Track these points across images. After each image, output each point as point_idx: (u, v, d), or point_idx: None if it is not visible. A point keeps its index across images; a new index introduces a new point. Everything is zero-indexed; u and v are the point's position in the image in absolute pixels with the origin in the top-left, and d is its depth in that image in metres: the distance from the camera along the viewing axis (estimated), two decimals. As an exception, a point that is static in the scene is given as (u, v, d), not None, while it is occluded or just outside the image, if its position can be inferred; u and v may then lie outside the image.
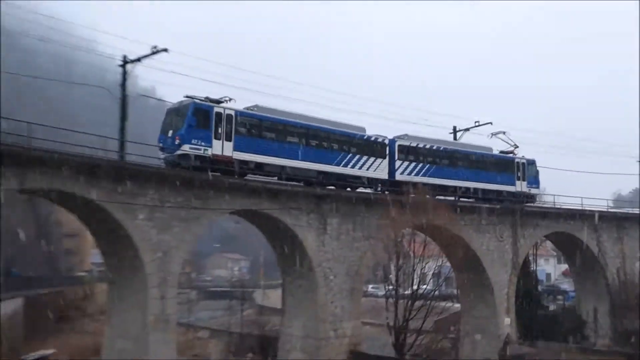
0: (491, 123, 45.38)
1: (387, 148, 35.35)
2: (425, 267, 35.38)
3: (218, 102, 28.92)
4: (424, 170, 36.95)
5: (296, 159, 30.89)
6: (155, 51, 29.93)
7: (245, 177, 30.12)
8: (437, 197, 36.44)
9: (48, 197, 27.79)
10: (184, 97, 28.32)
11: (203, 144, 27.31)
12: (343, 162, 33.05)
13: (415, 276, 33.57)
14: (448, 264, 40.49)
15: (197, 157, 27.23)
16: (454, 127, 47.39)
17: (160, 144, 28.29)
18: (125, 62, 30.43)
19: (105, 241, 28.69)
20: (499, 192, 41.10)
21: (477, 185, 39.89)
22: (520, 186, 42.09)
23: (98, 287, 66.18)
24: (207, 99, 28.48)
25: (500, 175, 41.50)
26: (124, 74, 30.18)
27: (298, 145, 31.24)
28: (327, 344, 31.97)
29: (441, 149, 38.80)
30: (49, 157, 23.03)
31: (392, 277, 33.77)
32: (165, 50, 29.83)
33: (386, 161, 35.03)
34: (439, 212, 33.95)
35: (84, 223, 30.09)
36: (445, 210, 34.80)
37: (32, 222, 67.76)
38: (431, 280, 37.10)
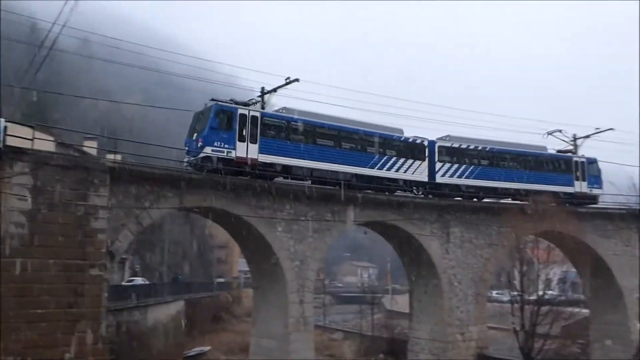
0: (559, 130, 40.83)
1: (427, 150, 32.36)
2: (550, 272, 33.99)
3: (246, 104, 27.47)
4: (467, 172, 33.59)
5: (327, 161, 28.31)
6: (288, 82, 31.38)
7: (366, 191, 30.27)
8: (484, 199, 34.44)
9: (202, 213, 30.01)
10: (210, 100, 26.69)
11: (226, 146, 25.32)
12: (378, 165, 30.25)
13: (539, 282, 32.26)
14: (573, 269, 38.56)
15: (220, 159, 25.20)
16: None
17: (186, 148, 26.53)
18: (263, 93, 32.13)
19: (250, 251, 30.46)
20: (555, 194, 35.71)
21: (529, 186, 35.31)
22: (580, 187, 37.45)
23: (245, 292, 69.69)
24: (232, 101, 26.71)
25: (556, 176, 36.99)
26: (262, 103, 31.86)
27: (329, 147, 28.71)
28: (454, 347, 31.64)
29: (487, 149, 34.87)
30: (202, 180, 25.10)
31: (517, 282, 32.70)
32: (297, 80, 31.19)
33: (425, 163, 32.02)
34: (562, 219, 32.55)
35: (232, 235, 32.21)
36: (568, 217, 33.20)
37: (190, 236, 72.59)
38: (557, 285, 35.42)
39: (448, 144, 33.45)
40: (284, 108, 28.88)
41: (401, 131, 32.12)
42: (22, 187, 19.52)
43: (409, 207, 31.31)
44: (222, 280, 78.34)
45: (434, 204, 32.34)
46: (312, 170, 27.74)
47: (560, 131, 39.99)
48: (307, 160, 27.62)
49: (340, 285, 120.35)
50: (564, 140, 39.98)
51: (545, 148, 38.08)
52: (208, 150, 24.95)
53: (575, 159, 38.22)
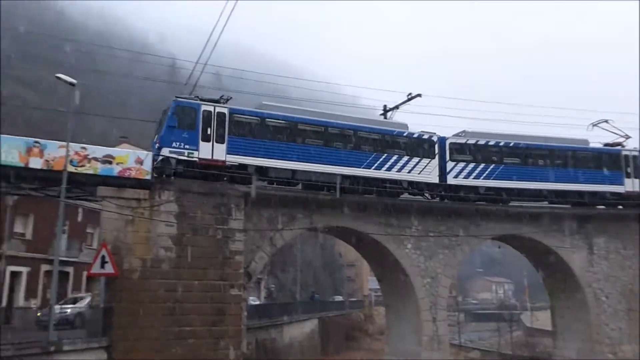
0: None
1: (436, 147, 28.13)
2: None
3: (215, 101, 24.08)
4: (487, 172, 28.84)
5: (311, 161, 24.88)
6: (410, 97, 31.40)
7: (506, 203, 29.23)
8: (510, 203, 29.69)
9: (332, 233, 30.70)
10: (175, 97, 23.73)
11: (187, 146, 22.54)
12: (375, 165, 26.41)
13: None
14: None
15: (181, 162, 22.45)
16: None
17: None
18: (386, 110, 32.40)
19: (380, 269, 30.70)
20: (601, 194, 31.17)
21: (565, 186, 30.27)
22: (632, 185, 31.73)
23: (376, 310, 69.74)
24: (197, 97, 23.56)
25: (602, 174, 31.26)
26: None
27: (314, 146, 25.28)
28: (605, 368, 29.62)
29: (510, 144, 29.93)
30: (330, 201, 25.70)
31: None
32: (419, 95, 31.14)
33: (435, 162, 27.79)
34: None
35: (362, 253, 32.63)
36: None
37: (320, 255, 74.24)
38: None
39: (461, 141, 29.03)
40: (263, 104, 25.76)
41: (405, 126, 28.32)
42: (169, 213, 21.29)
43: (546, 219, 29.95)
44: (353, 299, 78.98)
45: (574, 214, 30.64)
46: (293, 171, 24.62)
47: (606, 121, 33.78)
48: (287, 160, 24.42)
49: (474, 302, 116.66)
50: (614, 132, 33.81)
51: (586, 142, 32.22)
52: (165, 151, 22.30)
53: (625, 152, 32.36)
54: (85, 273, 36.33)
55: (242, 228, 22.79)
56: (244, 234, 22.90)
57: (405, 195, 27.69)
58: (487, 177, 28.75)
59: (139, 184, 20.91)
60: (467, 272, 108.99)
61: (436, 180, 27.60)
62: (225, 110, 23.65)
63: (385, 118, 31.71)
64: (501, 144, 29.65)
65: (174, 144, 22.39)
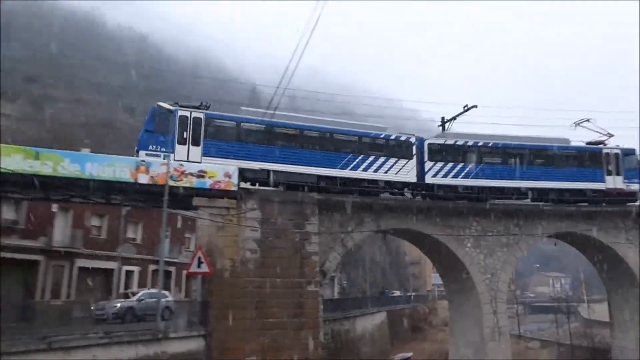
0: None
1: (414, 148, 26.44)
2: None
3: (196, 107, 23.38)
4: (466, 172, 27.01)
5: (287, 163, 23.75)
6: (467, 109, 30.83)
7: (561, 203, 28.01)
8: (492, 200, 27.45)
9: (397, 234, 30.53)
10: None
11: (163, 149, 21.77)
12: (351, 165, 24.99)
13: None
14: None
15: None
16: None
17: None
18: (443, 122, 31.92)
19: (442, 266, 30.25)
20: (581, 191, 28.75)
21: (546, 184, 27.99)
22: (614, 182, 29.20)
23: (440, 303, 68.47)
24: (177, 103, 23.16)
25: (581, 171, 28.95)
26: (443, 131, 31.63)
27: (289, 148, 24.17)
28: (663, 355, 27.91)
29: (489, 145, 27.90)
30: (395, 205, 25.63)
31: None
32: (475, 106, 30.52)
33: (413, 162, 26.13)
34: None
35: (425, 252, 32.24)
36: None
37: (386, 254, 73.83)
38: None
39: (439, 142, 27.42)
40: (242, 109, 24.98)
41: (383, 129, 26.81)
42: (254, 220, 21.91)
43: (599, 216, 28.60)
44: (418, 293, 77.95)
45: (630, 211, 29.07)
46: (268, 172, 23.45)
47: (588, 120, 31.36)
48: (263, 162, 23.38)
49: (532, 295, 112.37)
50: (597, 131, 31.30)
51: (567, 141, 29.93)
52: (142, 154, 21.62)
53: (606, 150, 29.88)
54: (184, 272, 37.71)
55: (317, 231, 23.09)
56: (319, 236, 23.19)
57: (401, 195, 26.38)
58: (466, 176, 27.04)
59: (227, 194, 21.63)
60: (525, 268, 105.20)
61: (414, 179, 26.01)
62: (202, 115, 22.86)
63: (444, 130, 31.23)
64: (480, 144, 27.75)
65: (150, 147, 21.75)
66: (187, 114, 22.59)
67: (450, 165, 26.87)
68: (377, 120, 31.49)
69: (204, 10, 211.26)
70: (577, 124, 31.39)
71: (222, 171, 21.59)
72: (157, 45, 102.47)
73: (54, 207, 30.94)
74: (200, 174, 21.26)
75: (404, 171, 25.84)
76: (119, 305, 24.72)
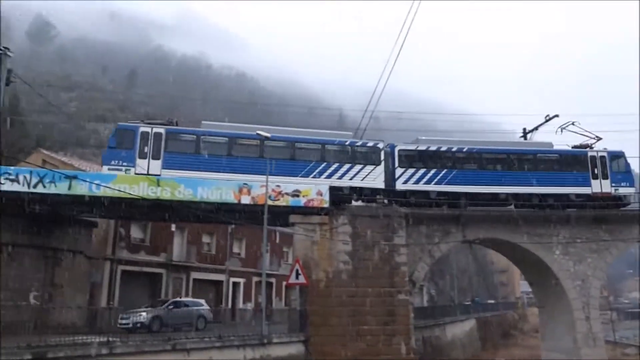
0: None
1: (382, 154, 24.38)
2: None
3: (163, 124, 22.97)
4: (439, 177, 24.75)
5: (246, 172, 22.35)
6: (548, 118, 29.31)
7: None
8: (469, 206, 24.50)
9: (483, 243, 29.36)
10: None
11: (125, 164, 21.43)
12: (314, 173, 23.25)
13: None
14: None
15: None
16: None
17: None
18: (525, 132, 30.49)
19: (531, 273, 28.61)
20: (566, 196, 25.64)
21: (522, 189, 25.16)
22: (600, 186, 26.00)
23: (529, 310, 64.72)
24: (142, 121, 23.13)
25: (565, 175, 26.04)
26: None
27: (249, 158, 22.87)
28: None
29: (463, 150, 25.46)
30: (480, 215, 24.68)
31: None
32: (556, 116, 28.96)
33: (380, 168, 24.05)
34: None
35: (512, 260, 30.70)
36: None
37: (473, 263, 71.10)
38: None
39: (410, 148, 25.24)
40: (203, 123, 24.24)
41: (348, 136, 25.02)
42: (345, 234, 22.05)
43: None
44: (506, 301, 74.13)
45: None
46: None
47: (573, 123, 28.43)
48: (223, 173, 22.23)
49: (626, 301, 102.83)
50: (584, 135, 28.39)
51: (550, 145, 27.25)
52: (105, 169, 21.57)
53: (591, 153, 26.74)
54: (284, 283, 38.52)
55: (405, 243, 22.79)
56: (407, 248, 22.87)
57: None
58: (439, 182, 24.71)
59: (320, 211, 21.99)
60: (617, 273, 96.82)
61: (382, 185, 23.94)
62: (162, 130, 22.35)
63: (525, 140, 29.81)
64: (454, 149, 25.42)
65: (112, 162, 21.59)
66: (149, 130, 22.27)
67: (422, 171, 24.77)
68: (456, 134, 30.60)
69: (294, 44, 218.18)
70: (562, 128, 28.63)
71: (315, 190, 22.00)
72: (254, 80, 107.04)
73: (173, 227, 32.96)
74: (295, 194, 21.80)
75: (371, 177, 23.83)
76: (144, 314, 21.73)
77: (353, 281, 21.62)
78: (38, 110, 22.87)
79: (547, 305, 27.45)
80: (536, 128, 29.53)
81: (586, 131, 28.19)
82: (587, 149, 27.33)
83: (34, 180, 19.67)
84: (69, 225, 24.59)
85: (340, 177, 23.73)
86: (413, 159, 24.95)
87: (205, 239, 36.14)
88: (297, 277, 20.62)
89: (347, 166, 23.95)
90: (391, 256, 22.32)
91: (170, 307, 22.92)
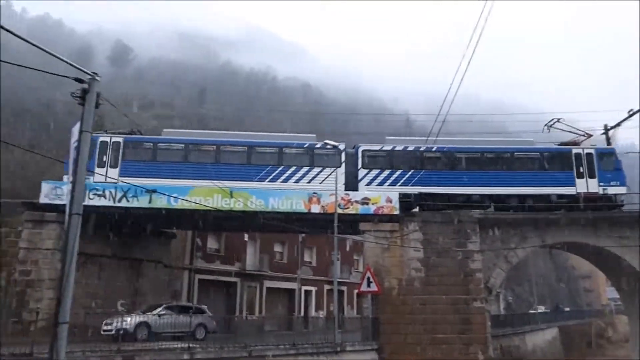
0: None
1: (342, 156, 23.26)
2: None
3: (129, 133, 23.50)
4: (405, 178, 23.32)
5: (202, 178, 21.87)
6: (631, 114, 27.47)
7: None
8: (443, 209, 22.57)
9: (563, 248, 27.89)
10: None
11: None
12: (270, 177, 22.81)
13: None
14: None
15: None
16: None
17: None
18: (607, 129, 28.72)
19: (618, 279, 26.75)
20: (546, 197, 23.45)
21: (497, 190, 23.26)
22: (586, 186, 23.69)
23: (617, 318, 60.48)
24: (105, 131, 23.62)
25: (546, 175, 23.94)
26: (607, 140, 28.45)
27: (205, 163, 22.65)
28: None
29: (432, 149, 23.69)
30: (563, 219, 23.16)
31: None
32: None
33: (341, 170, 22.84)
34: None
35: (596, 265, 28.91)
36: None
37: (552, 268, 67.71)
38: None
39: (375, 148, 24.09)
40: (164, 131, 24.01)
41: (311, 138, 24.17)
42: (416, 240, 21.77)
43: None
44: (591, 308, 69.75)
45: None
46: (184, 189, 21.82)
47: (558, 120, 26.01)
48: (179, 179, 22.09)
49: None
50: (572, 132, 26.06)
51: (531, 142, 25.30)
52: (65, 178, 20.65)
53: (576, 151, 24.38)
54: (355, 291, 38.46)
55: (479, 249, 22.13)
56: (481, 254, 22.19)
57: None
58: (405, 183, 23.42)
59: (390, 218, 21.85)
60: None
61: (342, 187, 22.64)
62: (120, 139, 22.76)
63: (608, 138, 28.03)
64: (422, 149, 23.94)
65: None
66: (107, 139, 22.76)
67: (387, 172, 23.63)
68: (524, 135, 29.34)
69: (357, 52, 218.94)
70: (548, 126, 26.34)
71: (384, 197, 21.92)
72: (318, 90, 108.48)
73: (245, 237, 33.95)
74: (365, 201, 21.84)
75: (330, 180, 22.66)
76: (128, 319, 19.29)
77: (426, 289, 21.27)
78: (121, 129, 24.56)
79: (636, 313, 25.57)
80: (619, 124, 27.70)
81: (574, 128, 26.18)
82: (574, 146, 25.13)
83: (119, 194, 21.04)
84: (150, 236, 26.06)
85: (298, 181, 23.21)
86: (378, 160, 23.99)
87: (277, 248, 36.87)
88: (368, 285, 20.59)
89: (305, 169, 23.34)
90: (465, 262, 21.74)
91: (162, 312, 20.14)
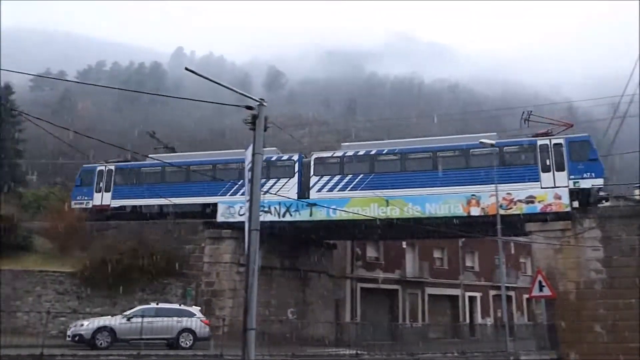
0: None
1: (296, 166, 23.68)
2: None
3: (123, 161, 27.10)
4: (355, 183, 22.72)
5: (178, 196, 24.13)
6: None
7: None
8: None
9: None
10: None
11: (86, 198, 26.08)
12: (232, 191, 23.86)
13: None
14: None
15: (83, 209, 25.86)
16: None
17: None
18: None
19: None
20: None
21: (456, 189, 20.94)
22: (553, 180, 19.46)
23: None
24: (106, 161, 26.90)
25: (506, 171, 20.70)
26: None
27: (178, 183, 25.16)
28: None
29: (383, 152, 22.94)
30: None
31: None
32: None
33: (294, 180, 23.38)
34: None
35: None
36: None
37: None
38: None
39: (325, 155, 24.27)
40: (148, 157, 23.86)
41: (273, 152, 24.22)
42: (594, 239, 19.53)
43: None
44: None
45: None
46: (161, 206, 24.83)
47: (530, 112, 23.01)
48: (156, 198, 24.61)
49: None
50: (550, 123, 22.76)
51: (495, 137, 21.81)
52: (73, 203, 26.18)
53: (542, 142, 20.87)
54: (525, 296, 35.95)
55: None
56: None
57: None
58: (355, 188, 22.70)
59: (559, 216, 19.99)
60: None
61: (294, 196, 22.77)
62: (112, 167, 26.39)
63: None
64: (372, 152, 23.21)
65: (77, 198, 26.38)
66: (103, 167, 26.51)
67: (337, 177, 23.30)
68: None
69: (506, 44, 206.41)
70: (525, 120, 23.11)
71: (552, 194, 20.13)
72: (467, 89, 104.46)
73: (404, 244, 33.85)
74: (529, 200, 20.34)
75: (285, 190, 23.24)
76: (85, 323, 16.86)
77: (610, 292, 18.91)
78: (280, 148, 26.85)
79: None
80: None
81: (550, 119, 23.25)
82: (541, 137, 21.65)
83: (282, 210, 22.61)
84: (312, 248, 27.45)
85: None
86: (329, 166, 23.92)
87: (437, 254, 36.12)
88: (540, 290, 19.07)
89: (262, 180, 21.78)
90: (658, 261, 18.86)
91: (131, 317, 17.22)
